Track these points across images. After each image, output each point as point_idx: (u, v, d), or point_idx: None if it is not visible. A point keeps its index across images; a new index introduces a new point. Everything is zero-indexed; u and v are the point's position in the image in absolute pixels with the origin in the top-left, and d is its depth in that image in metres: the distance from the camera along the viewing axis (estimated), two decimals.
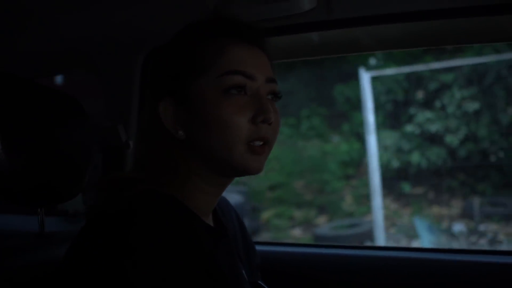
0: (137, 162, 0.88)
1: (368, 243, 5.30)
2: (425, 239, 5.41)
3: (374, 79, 6.01)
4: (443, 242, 5.68)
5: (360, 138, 6.30)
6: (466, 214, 6.86)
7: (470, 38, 1.34)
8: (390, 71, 6.19)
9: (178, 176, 0.85)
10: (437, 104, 6.70)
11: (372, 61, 6.18)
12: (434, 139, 6.79)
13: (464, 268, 1.31)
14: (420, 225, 5.66)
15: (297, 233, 6.11)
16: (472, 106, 6.66)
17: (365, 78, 5.88)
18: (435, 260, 1.37)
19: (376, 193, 6.00)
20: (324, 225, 6.10)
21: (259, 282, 1.05)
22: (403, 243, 5.59)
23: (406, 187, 6.51)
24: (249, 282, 0.98)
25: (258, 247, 1.15)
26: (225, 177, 0.90)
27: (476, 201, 6.77)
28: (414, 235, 5.79)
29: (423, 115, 6.70)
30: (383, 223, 5.62)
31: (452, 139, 6.62)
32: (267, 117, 0.84)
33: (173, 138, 0.86)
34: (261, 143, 0.85)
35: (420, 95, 6.90)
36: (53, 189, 1.01)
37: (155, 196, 0.79)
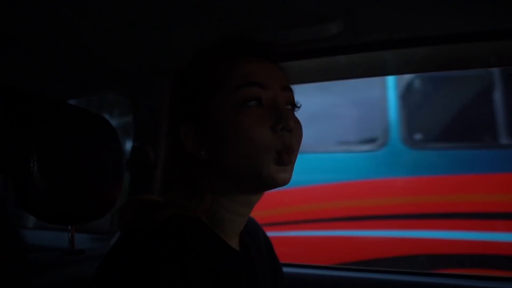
0: (164, 186, 0.89)
1: None
2: None
3: None
4: None
5: None
6: None
7: (498, 61, 1.34)
8: None
9: (205, 198, 0.84)
10: None
11: None
12: None
13: None
14: None
15: None
16: None
17: None
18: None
19: None
20: None
21: None
22: None
23: None
24: None
25: (285, 269, 1.15)
26: (253, 193, 0.88)
27: None
28: None
29: None
30: None
31: None
32: (286, 124, 0.81)
33: (197, 161, 0.86)
34: (285, 151, 0.82)
35: None
36: (85, 208, 1.03)
37: (183, 220, 0.80)
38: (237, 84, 0.83)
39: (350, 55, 1.26)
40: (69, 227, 1.09)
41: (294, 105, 0.89)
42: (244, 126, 0.81)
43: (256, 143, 0.80)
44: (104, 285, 0.76)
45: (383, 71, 1.46)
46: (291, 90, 0.89)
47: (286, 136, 0.82)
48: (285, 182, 0.83)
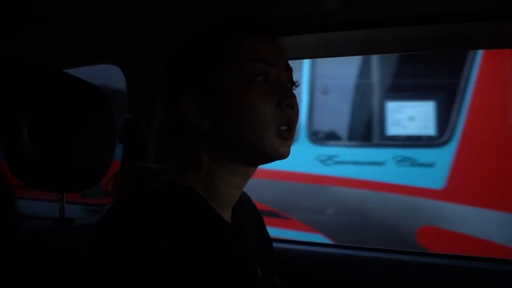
0: (158, 154, 0.89)
1: None
2: None
3: None
4: None
5: None
6: None
7: (500, 42, 1.33)
8: None
9: (202, 168, 0.86)
10: None
11: None
12: None
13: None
14: None
15: None
16: None
17: None
18: (452, 267, 1.36)
19: None
20: None
21: (274, 279, 1.05)
22: None
23: None
24: (264, 279, 0.99)
25: (275, 245, 1.15)
26: (252, 165, 0.91)
27: None
28: None
29: None
30: None
31: None
32: (291, 101, 0.86)
33: (196, 131, 0.87)
34: (286, 127, 0.86)
35: None
36: (76, 176, 1.03)
37: (177, 189, 0.82)
38: (246, 59, 0.86)
39: (347, 31, 1.25)
40: (60, 195, 1.09)
41: (293, 84, 0.92)
42: (251, 100, 0.84)
43: (262, 117, 0.84)
44: (96, 252, 0.76)
45: (381, 49, 1.46)
46: (291, 70, 0.92)
47: (289, 112, 0.86)
48: (286, 155, 0.88)
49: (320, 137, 3.62)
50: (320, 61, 3.58)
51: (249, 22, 0.90)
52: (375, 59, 3.53)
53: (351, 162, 3.48)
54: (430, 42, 1.37)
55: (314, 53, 1.49)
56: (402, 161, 3.31)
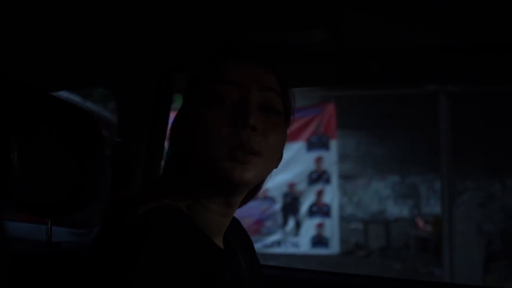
0: (148, 181, 0.89)
1: None
2: None
3: None
4: None
5: None
6: None
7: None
8: None
9: (188, 194, 0.85)
10: None
11: None
12: None
13: None
14: None
15: None
16: None
17: None
18: None
19: None
20: None
21: None
22: None
23: None
24: None
25: (265, 271, 1.15)
26: (225, 193, 0.87)
27: None
28: None
29: None
30: None
31: None
32: (245, 120, 0.79)
33: (183, 157, 0.87)
34: (246, 149, 0.80)
35: None
36: (63, 201, 1.02)
37: (168, 213, 0.80)
38: (208, 82, 0.85)
39: (335, 61, 1.27)
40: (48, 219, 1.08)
41: (272, 108, 0.86)
42: (206, 121, 0.81)
43: (211, 138, 0.80)
44: (86, 278, 0.76)
45: (368, 79, 1.48)
46: (273, 91, 0.87)
47: (246, 133, 0.80)
48: (242, 180, 0.81)
49: None
50: None
51: (223, 49, 0.90)
52: None
53: None
54: (418, 73, 1.39)
55: (302, 83, 1.50)
56: None
